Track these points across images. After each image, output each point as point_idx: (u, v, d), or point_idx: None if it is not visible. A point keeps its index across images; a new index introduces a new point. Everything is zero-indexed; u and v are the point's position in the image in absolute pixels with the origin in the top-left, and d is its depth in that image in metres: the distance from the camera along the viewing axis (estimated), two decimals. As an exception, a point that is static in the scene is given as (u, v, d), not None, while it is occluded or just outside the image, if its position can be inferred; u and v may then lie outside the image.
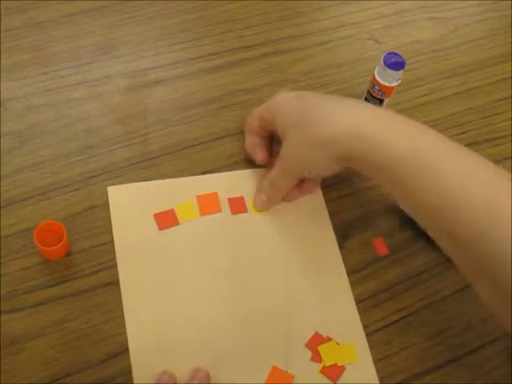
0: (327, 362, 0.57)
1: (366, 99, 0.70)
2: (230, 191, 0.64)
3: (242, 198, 0.64)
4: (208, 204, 0.63)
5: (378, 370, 0.57)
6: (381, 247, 0.64)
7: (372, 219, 0.65)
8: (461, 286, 0.63)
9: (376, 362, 0.58)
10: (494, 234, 0.47)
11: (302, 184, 0.63)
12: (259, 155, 0.65)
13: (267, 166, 0.65)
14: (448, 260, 0.63)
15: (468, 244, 0.49)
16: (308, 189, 0.64)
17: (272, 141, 0.66)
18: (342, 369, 0.57)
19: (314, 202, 0.65)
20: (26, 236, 0.58)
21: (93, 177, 0.63)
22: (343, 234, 0.64)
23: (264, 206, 0.63)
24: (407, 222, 0.65)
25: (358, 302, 0.60)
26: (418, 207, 0.54)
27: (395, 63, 0.65)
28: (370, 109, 0.57)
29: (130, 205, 0.62)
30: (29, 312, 0.56)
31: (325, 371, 0.56)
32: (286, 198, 0.64)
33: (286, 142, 0.59)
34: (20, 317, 0.55)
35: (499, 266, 0.46)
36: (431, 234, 0.55)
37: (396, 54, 0.66)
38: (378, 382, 0.57)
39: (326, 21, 0.80)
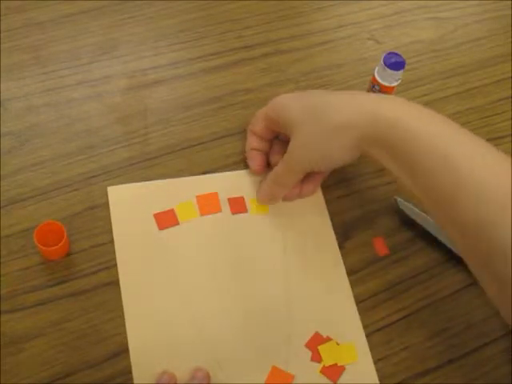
0: (327, 361, 0.57)
1: (366, 99, 0.70)
2: (229, 191, 0.64)
3: (241, 198, 0.64)
4: (208, 204, 0.63)
5: (377, 370, 0.57)
6: (381, 247, 0.64)
7: (372, 219, 0.65)
8: (461, 285, 0.63)
9: (376, 362, 0.58)
10: (506, 220, 0.46)
11: (301, 185, 0.63)
12: (256, 164, 0.64)
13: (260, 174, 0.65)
14: (450, 259, 0.63)
15: (476, 231, 0.49)
16: (308, 190, 0.64)
17: (273, 143, 0.66)
18: (341, 369, 0.57)
19: (314, 202, 0.65)
20: (26, 236, 0.58)
21: (93, 177, 0.63)
22: (343, 234, 0.64)
23: (267, 201, 0.63)
24: (407, 222, 0.65)
25: (358, 302, 0.60)
26: (427, 191, 0.54)
27: (395, 63, 0.65)
28: (383, 96, 0.59)
29: (130, 205, 0.62)
30: (29, 312, 0.56)
31: (325, 371, 0.56)
32: (284, 198, 0.64)
33: (294, 137, 0.59)
34: (20, 317, 0.55)
35: (502, 257, 0.46)
36: (438, 221, 0.54)
37: (396, 53, 0.66)
38: (377, 381, 0.57)
39: (326, 21, 0.80)
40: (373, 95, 0.59)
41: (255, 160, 0.65)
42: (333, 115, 0.57)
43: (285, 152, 0.61)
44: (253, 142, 0.65)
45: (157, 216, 0.61)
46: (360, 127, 0.55)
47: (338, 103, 0.57)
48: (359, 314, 0.60)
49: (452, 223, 0.52)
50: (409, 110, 0.55)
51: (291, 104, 0.60)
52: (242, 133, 0.67)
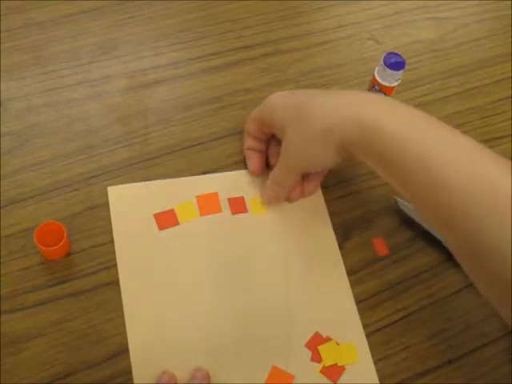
0: (327, 361, 0.57)
1: (365, 99, 0.70)
2: (229, 191, 0.64)
3: (241, 198, 0.64)
4: (208, 204, 0.63)
5: (377, 370, 0.57)
6: (381, 247, 0.64)
7: (372, 219, 0.65)
8: (461, 285, 0.63)
9: (376, 362, 0.58)
10: (493, 224, 0.46)
11: (303, 183, 0.63)
12: (253, 164, 0.65)
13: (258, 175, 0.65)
14: (450, 259, 0.63)
15: (465, 234, 0.48)
16: (309, 190, 0.64)
17: (269, 144, 0.66)
18: (341, 369, 0.57)
19: (314, 202, 0.65)
20: (26, 236, 0.58)
21: (93, 177, 0.63)
22: (343, 234, 0.64)
23: (271, 203, 0.63)
24: (407, 222, 0.65)
25: (358, 302, 0.60)
26: (412, 195, 0.53)
27: (395, 63, 0.65)
28: (370, 97, 0.57)
29: (130, 205, 0.62)
30: (29, 312, 0.56)
31: (325, 371, 0.56)
32: (287, 199, 0.64)
33: (285, 140, 0.59)
34: (20, 317, 0.55)
35: (498, 257, 0.46)
36: (428, 222, 0.54)
37: (396, 53, 0.66)
38: (377, 382, 0.57)
39: (326, 21, 0.80)
40: (361, 96, 0.57)
41: (252, 160, 0.65)
42: (316, 121, 0.56)
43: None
44: (248, 141, 0.65)
45: (157, 216, 0.61)
46: (342, 131, 0.54)
47: (323, 108, 0.56)
48: (359, 314, 0.60)
49: (440, 225, 0.51)
50: (393, 110, 0.54)
51: (280, 105, 0.60)
52: (242, 133, 0.67)
